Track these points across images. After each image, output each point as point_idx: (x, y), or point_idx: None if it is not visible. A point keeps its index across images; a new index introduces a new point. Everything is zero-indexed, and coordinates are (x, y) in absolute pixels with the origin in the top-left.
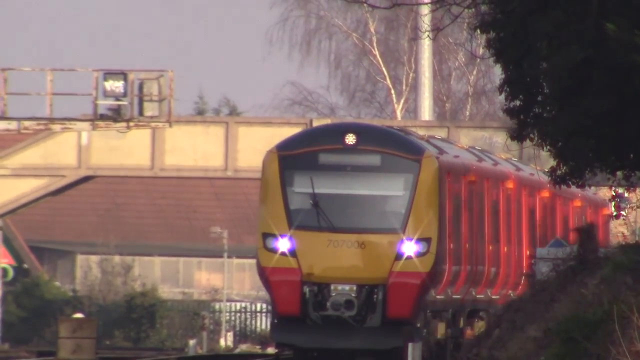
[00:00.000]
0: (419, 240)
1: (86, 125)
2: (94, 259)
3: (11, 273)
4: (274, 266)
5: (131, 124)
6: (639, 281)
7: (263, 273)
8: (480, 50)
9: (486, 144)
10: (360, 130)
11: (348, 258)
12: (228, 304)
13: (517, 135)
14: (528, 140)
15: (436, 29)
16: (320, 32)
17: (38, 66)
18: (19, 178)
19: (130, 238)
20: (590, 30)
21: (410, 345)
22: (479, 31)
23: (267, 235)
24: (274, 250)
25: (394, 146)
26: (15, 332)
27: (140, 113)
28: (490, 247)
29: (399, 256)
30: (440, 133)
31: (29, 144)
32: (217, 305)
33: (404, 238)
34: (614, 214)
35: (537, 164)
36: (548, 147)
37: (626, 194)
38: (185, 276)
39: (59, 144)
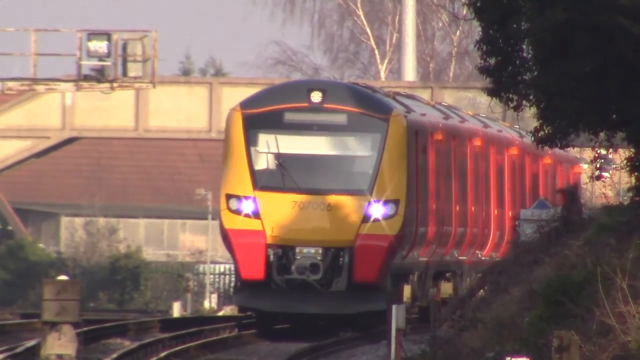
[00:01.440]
0: (386, 202)
1: (70, 85)
2: (79, 221)
3: None
4: (237, 228)
5: (115, 84)
6: (622, 242)
7: (226, 236)
8: (464, 11)
9: (470, 105)
10: (326, 87)
11: (314, 220)
12: (212, 266)
13: (493, 93)
14: (509, 101)
15: None
16: None
17: (22, 26)
18: (3, 139)
19: (115, 200)
20: None
21: (394, 307)
22: None
23: (230, 197)
24: (237, 212)
25: (361, 104)
26: (0, 294)
27: (124, 74)
28: (457, 208)
29: (366, 218)
30: (424, 94)
31: (13, 105)
32: (201, 267)
33: (372, 200)
34: (596, 174)
35: (521, 125)
36: (524, 106)
37: (610, 155)
38: (169, 238)
39: (42, 105)
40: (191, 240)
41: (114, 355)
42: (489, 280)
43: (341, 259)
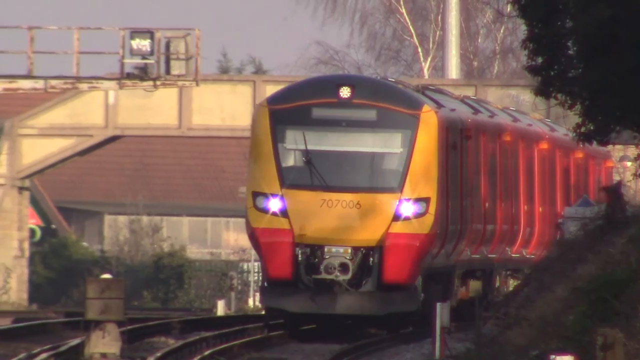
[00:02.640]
0: (417, 200)
1: (113, 84)
2: (122, 219)
3: (39, 234)
4: (264, 227)
5: (158, 82)
6: None
7: (253, 234)
8: (508, 8)
9: (513, 102)
10: (354, 82)
11: (342, 219)
12: (256, 264)
13: (541, 92)
14: (554, 99)
15: None
16: None
17: (65, 25)
18: (47, 138)
19: (158, 198)
20: None
21: (438, 305)
22: None
23: (257, 195)
24: (264, 210)
25: (391, 100)
26: (43, 293)
27: (167, 72)
28: (487, 205)
29: (396, 217)
30: (468, 91)
31: (56, 104)
32: (245, 266)
33: (402, 198)
34: (639, 172)
35: (565, 122)
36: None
37: None
38: (213, 236)
39: (86, 103)
40: (235, 239)
41: (158, 354)
42: (533, 278)
43: (371, 259)
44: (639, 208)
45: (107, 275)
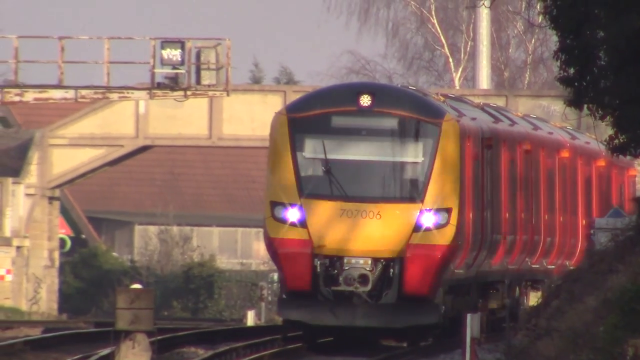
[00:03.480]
0: (438, 210)
1: (143, 94)
2: (152, 229)
3: (69, 244)
4: (282, 237)
5: (189, 92)
6: None
7: (271, 244)
8: (539, 19)
9: (544, 113)
10: (375, 90)
11: (362, 229)
12: None
13: (574, 103)
14: (586, 109)
15: None
16: (378, 0)
17: (95, 35)
18: (77, 148)
19: (188, 208)
20: None
21: (469, 316)
22: None
23: (275, 204)
24: (283, 221)
25: (412, 108)
26: (73, 302)
27: (198, 82)
28: (507, 215)
29: (417, 227)
30: (499, 102)
31: (87, 113)
32: (275, 276)
33: (423, 208)
34: None
35: (596, 133)
36: (602, 114)
37: None
38: (243, 246)
39: (116, 113)
40: (265, 249)
41: None
42: (564, 289)
43: (391, 270)
44: None
45: (137, 286)
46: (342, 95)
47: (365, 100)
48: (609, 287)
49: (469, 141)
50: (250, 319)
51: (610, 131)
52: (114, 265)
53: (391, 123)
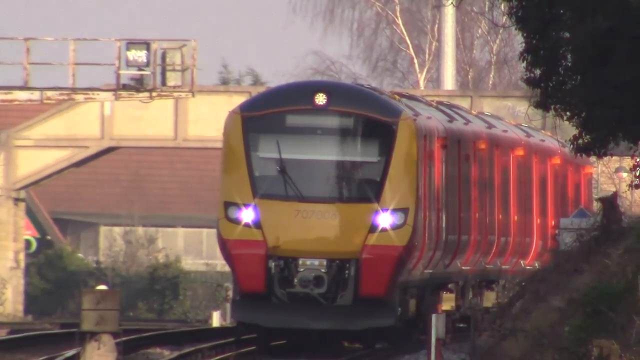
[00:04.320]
0: (395, 210)
1: (109, 95)
2: (118, 230)
3: (34, 245)
4: (236, 238)
5: (154, 94)
6: None
7: (224, 246)
8: (503, 19)
9: (509, 113)
10: (330, 89)
11: (318, 230)
12: None
13: (540, 104)
14: (552, 110)
15: None
16: (343, 1)
17: (60, 36)
18: (42, 149)
19: (154, 209)
20: None
21: (434, 316)
22: None
23: (229, 205)
24: (236, 221)
25: (368, 107)
26: (39, 304)
27: (163, 83)
28: (462, 215)
29: (373, 228)
30: (463, 102)
31: (52, 115)
32: None
33: (379, 209)
34: (635, 182)
35: (560, 133)
36: (568, 116)
37: None
38: (208, 247)
39: (81, 114)
40: None
41: None
42: (529, 289)
43: (347, 272)
44: (634, 219)
45: (102, 287)
46: (297, 94)
47: (321, 99)
48: (574, 287)
49: (425, 140)
50: (216, 319)
51: (574, 131)
52: (80, 266)
53: (347, 122)
